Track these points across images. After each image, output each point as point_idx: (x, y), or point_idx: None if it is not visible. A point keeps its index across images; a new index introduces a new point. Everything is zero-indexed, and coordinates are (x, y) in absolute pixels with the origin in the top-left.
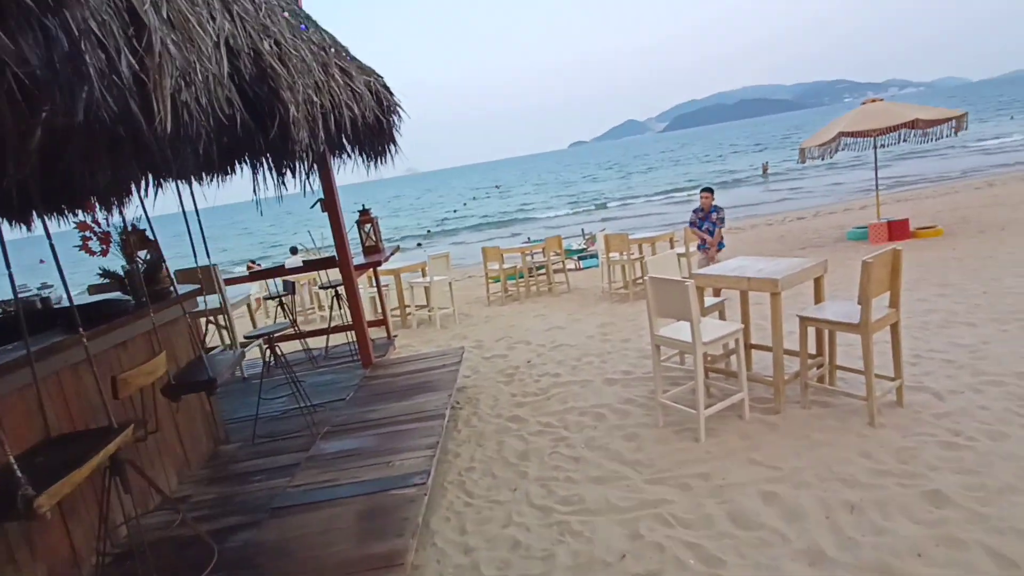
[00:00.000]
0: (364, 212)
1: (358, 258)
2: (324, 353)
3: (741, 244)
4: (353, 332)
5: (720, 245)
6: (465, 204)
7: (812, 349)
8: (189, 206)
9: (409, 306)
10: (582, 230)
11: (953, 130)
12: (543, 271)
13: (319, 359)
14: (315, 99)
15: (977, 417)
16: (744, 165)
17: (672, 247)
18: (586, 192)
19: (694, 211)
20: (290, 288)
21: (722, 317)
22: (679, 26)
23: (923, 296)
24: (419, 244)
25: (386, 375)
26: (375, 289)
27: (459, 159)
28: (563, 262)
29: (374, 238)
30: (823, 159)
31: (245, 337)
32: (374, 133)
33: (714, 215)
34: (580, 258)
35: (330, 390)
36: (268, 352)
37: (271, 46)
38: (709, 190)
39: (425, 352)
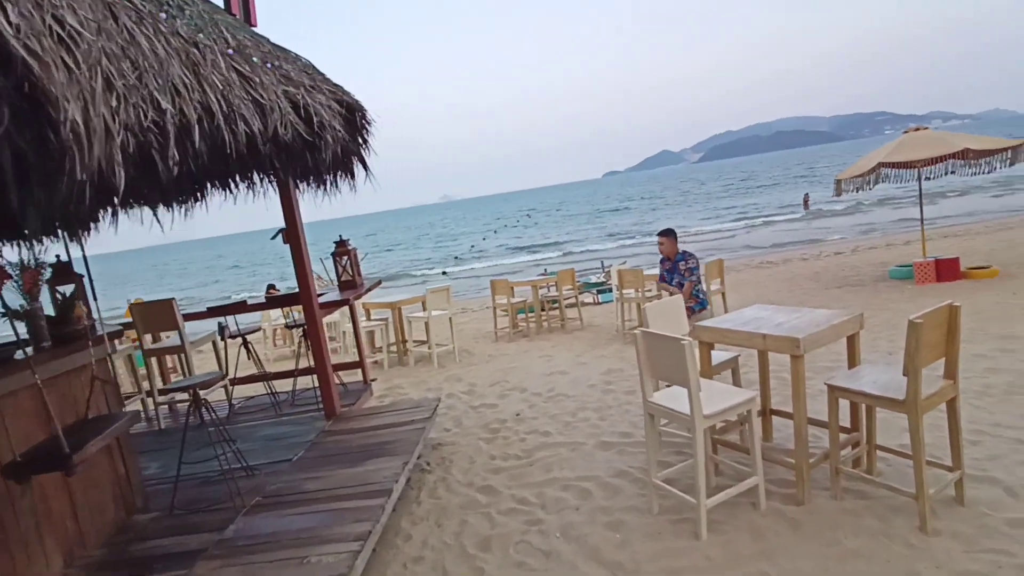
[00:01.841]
0: (341, 243)
1: (330, 296)
2: (291, 399)
3: (771, 281)
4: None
5: (698, 305)
6: (496, 232)
7: (845, 421)
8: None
9: (407, 341)
10: (601, 262)
11: (1008, 162)
12: (556, 305)
13: (283, 405)
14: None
15: None
16: (781, 197)
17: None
18: (617, 224)
19: (660, 261)
20: (219, 330)
21: (735, 378)
22: (715, 57)
23: (981, 351)
24: (444, 272)
25: (346, 430)
26: (374, 323)
27: (494, 187)
28: (576, 296)
29: (351, 272)
30: (860, 191)
31: (160, 391)
32: (326, 154)
33: (681, 264)
34: (599, 291)
35: (280, 446)
36: (193, 406)
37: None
38: (668, 233)
39: (396, 403)
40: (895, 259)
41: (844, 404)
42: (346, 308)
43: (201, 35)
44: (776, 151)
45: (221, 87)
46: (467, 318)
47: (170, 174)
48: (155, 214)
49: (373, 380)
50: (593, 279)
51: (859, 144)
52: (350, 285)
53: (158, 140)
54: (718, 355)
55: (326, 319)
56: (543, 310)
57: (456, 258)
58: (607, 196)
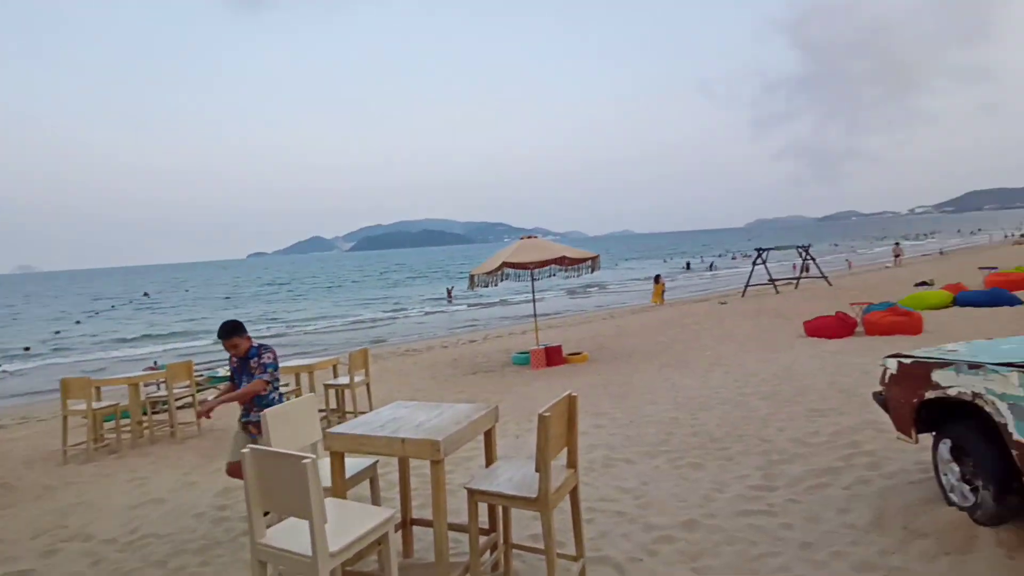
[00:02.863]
0: None
1: None
2: None
3: (416, 369)
4: None
5: (265, 399)
6: (96, 313)
7: (484, 518)
8: None
9: None
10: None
11: (591, 269)
12: (167, 407)
13: None
14: None
15: None
16: (427, 289)
17: (335, 376)
18: (264, 309)
19: (229, 359)
20: None
21: (374, 489)
22: (368, 153)
23: (581, 428)
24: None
25: None
26: None
27: (101, 259)
28: (194, 395)
29: None
30: (489, 286)
31: None
32: None
33: (253, 361)
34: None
35: None
36: None
37: None
38: (231, 328)
39: None
40: (517, 346)
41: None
42: None
43: None
44: (422, 247)
45: None
46: (25, 432)
47: None
48: None
49: None
50: (221, 372)
51: (488, 247)
52: None
53: None
54: (355, 462)
55: None
56: (145, 414)
57: (26, 349)
58: (257, 278)
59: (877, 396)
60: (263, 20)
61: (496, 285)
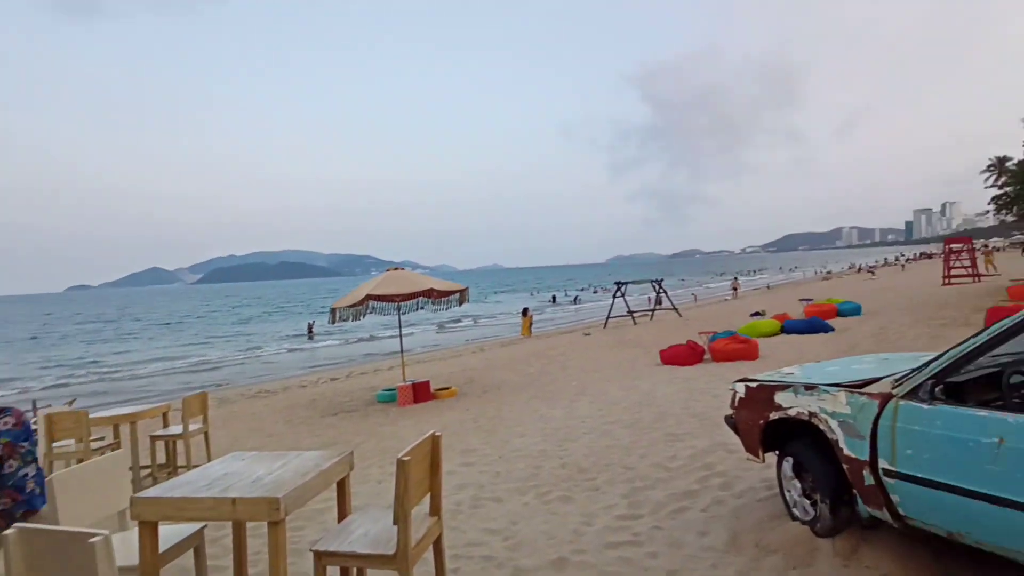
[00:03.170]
0: None
1: None
2: None
3: (268, 412)
4: None
5: (22, 504)
6: None
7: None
8: None
9: None
10: (33, 403)
11: (459, 301)
12: None
13: None
14: None
15: None
16: (286, 325)
17: (166, 425)
18: (82, 351)
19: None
20: None
21: (199, 562)
22: (219, 179)
23: (449, 467)
24: None
25: None
26: None
27: None
28: None
29: None
30: (353, 320)
31: None
32: None
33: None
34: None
35: None
36: None
37: None
38: None
39: None
40: (382, 383)
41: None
42: None
43: None
44: (281, 279)
45: None
46: None
47: None
48: None
49: None
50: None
51: (354, 280)
52: None
53: None
54: (179, 528)
55: None
56: None
57: None
58: (76, 314)
59: (728, 419)
60: (97, 28)
61: (360, 319)
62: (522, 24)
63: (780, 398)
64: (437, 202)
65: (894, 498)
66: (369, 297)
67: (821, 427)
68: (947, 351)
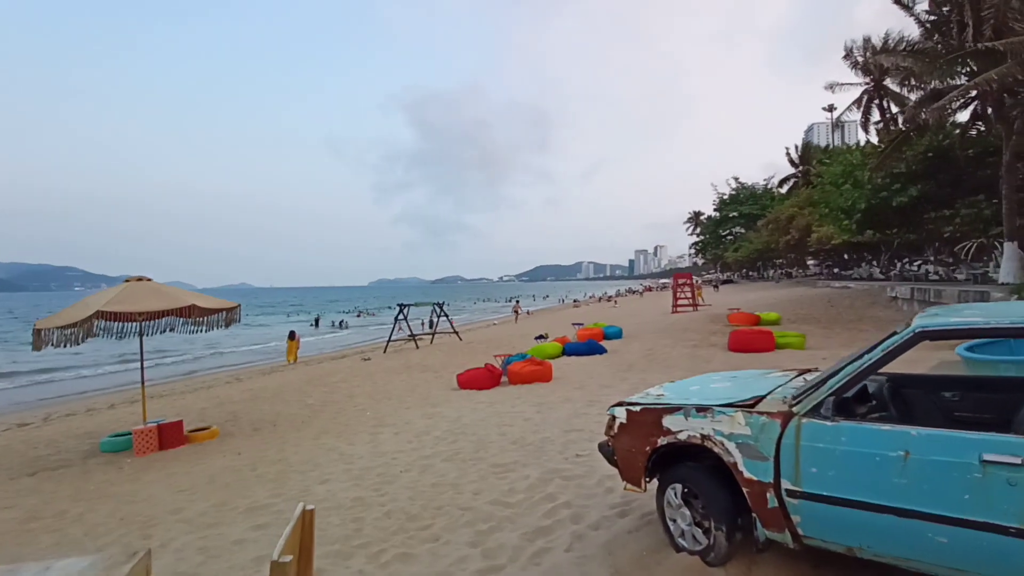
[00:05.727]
0: None
1: None
2: None
3: None
4: None
5: None
6: None
7: None
8: None
9: None
10: None
11: (225, 322)
12: None
13: None
14: None
15: None
16: None
17: None
18: None
19: None
20: None
21: None
22: None
23: (237, 535)
24: None
25: None
26: None
27: None
28: None
29: None
30: (68, 344)
31: None
32: None
33: None
34: None
35: None
36: None
37: None
38: None
39: None
40: (105, 427)
41: None
42: None
43: None
44: None
45: None
46: None
47: None
48: None
49: None
50: None
51: (49, 296)
52: None
53: None
54: None
55: None
56: None
57: None
58: None
59: (604, 447)
60: None
61: (81, 343)
62: (286, 27)
63: (669, 422)
64: (171, 211)
65: (795, 519)
66: (100, 314)
67: (716, 450)
68: (842, 368)
